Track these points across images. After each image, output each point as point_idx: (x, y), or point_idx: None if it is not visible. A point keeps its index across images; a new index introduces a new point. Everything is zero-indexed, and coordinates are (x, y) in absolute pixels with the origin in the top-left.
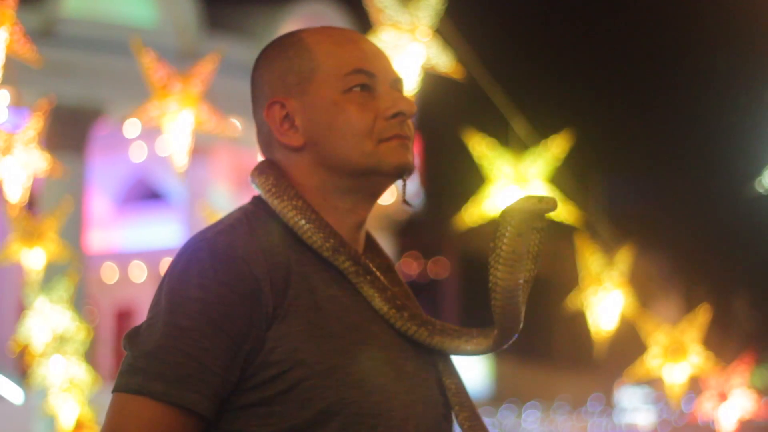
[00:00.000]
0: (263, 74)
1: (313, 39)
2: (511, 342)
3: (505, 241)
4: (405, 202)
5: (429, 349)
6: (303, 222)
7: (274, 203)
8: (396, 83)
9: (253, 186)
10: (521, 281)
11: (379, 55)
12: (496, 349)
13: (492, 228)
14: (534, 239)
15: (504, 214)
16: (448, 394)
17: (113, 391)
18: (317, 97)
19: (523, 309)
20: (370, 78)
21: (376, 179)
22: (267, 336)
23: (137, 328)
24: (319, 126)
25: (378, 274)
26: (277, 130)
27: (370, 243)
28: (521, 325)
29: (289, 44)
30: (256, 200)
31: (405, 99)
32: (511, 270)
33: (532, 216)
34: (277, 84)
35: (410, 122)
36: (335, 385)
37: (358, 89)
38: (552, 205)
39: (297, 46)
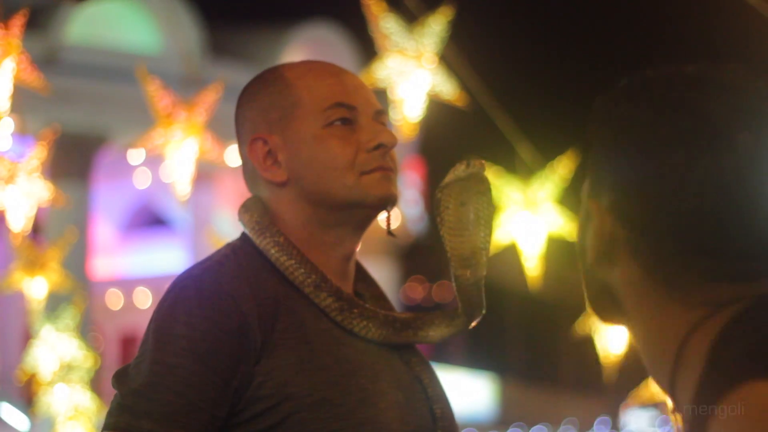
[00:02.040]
0: (245, 111)
1: (293, 74)
2: (479, 318)
3: (450, 212)
4: (389, 233)
5: (420, 375)
6: (284, 258)
7: (257, 240)
8: (378, 115)
9: (240, 223)
10: (479, 247)
11: (360, 88)
12: (467, 324)
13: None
14: (482, 203)
15: (442, 188)
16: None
17: (102, 430)
18: (299, 132)
19: (483, 278)
20: (350, 111)
21: (360, 212)
22: (255, 371)
23: (126, 368)
24: (302, 161)
25: (363, 303)
26: (260, 166)
27: (361, 273)
28: (483, 300)
29: (270, 80)
30: (245, 236)
31: (386, 131)
32: (462, 239)
33: (468, 182)
34: (259, 120)
35: (393, 153)
36: (325, 418)
37: (339, 123)
38: (479, 165)
39: (278, 82)
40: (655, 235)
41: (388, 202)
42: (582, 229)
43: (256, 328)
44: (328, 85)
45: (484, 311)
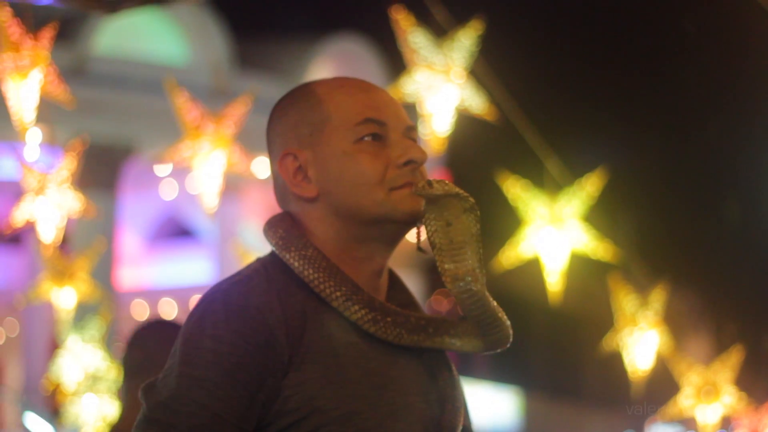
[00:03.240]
0: (276, 127)
1: (323, 90)
2: (500, 338)
3: (439, 235)
4: (419, 249)
5: (450, 388)
6: (311, 272)
7: (283, 255)
8: (409, 131)
9: (267, 241)
10: (474, 268)
11: (390, 104)
12: (491, 345)
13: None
14: (470, 221)
15: (424, 211)
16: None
17: None
18: (329, 148)
19: (485, 294)
20: (380, 127)
21: (389, 227)
22: (283, 384)
23: (154, 381)
24: (332, 176)
25: (399, 311)
26: (290, 182)
27: (394, 282)
28: (496, 319)
29: (300, 96)
30: (274, 252)
31: (416, 147)
32: (457, 259)
33: (447, 202)
34: (289, 136)
35: (423, 169)
36: (352, 431)
37: (369, 138)
38: (441, 184)
39: (308, 98)
40: None
41: (418, 217)
42: None
43: (284, 342)
44: (359, 100)
45: (504, 330)
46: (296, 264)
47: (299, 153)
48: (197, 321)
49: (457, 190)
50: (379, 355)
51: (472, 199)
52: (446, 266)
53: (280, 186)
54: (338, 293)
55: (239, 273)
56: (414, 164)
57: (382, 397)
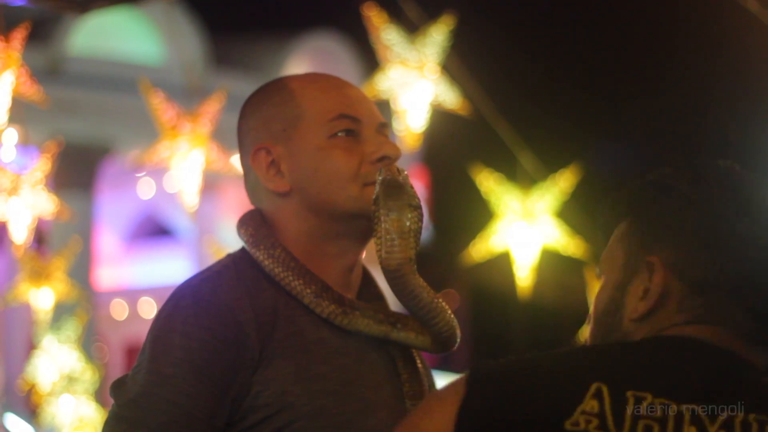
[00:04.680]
0: (249, 121)
1: (297, 85)
2: (449, 329)
3: (383, 223)
4: None
5: (418, 384)
6: (279, 269)
7: (252, 252)
8: (381, 128)
9: (239, 237)
10: (409, 259)
11: (363, 101)
12: (442, 344)
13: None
14: (414, 217)
15: (378, 197)
16: None
17: None
18: (303, 143)
19: (417, 286)
20: (354, 123)
21: (362, 223)
22: (253, 380)
23: (123, 377)
24: (305, 171)
25: (364, 305)
26: (263, 176)
27: (366, 277)
28: (438, 309)
29: (274, 91)
30: (245, 247)
31: (390, 143)
32: (392, 250)
33: (393, 191)
34: (262, 130)
35: (396, 166)
36: (323, 427)
37: (342, 134)
38: (392, 172)
39: (282, 93)
40: (712, 291)
41: None
42: (620, 284)
43: (254, 338)
44: (333, 97)
45: (444, 324)
46: (266, 262)
47: (272, 147)
48: (166, 318)
49: (395, 177)
50: (349, 351)
51: (419, 199)
52: (382, 255)
53: (252, 181)
54: (308, 290)
55: (209, 269)
56: (388, 160)
57: (352, 392)
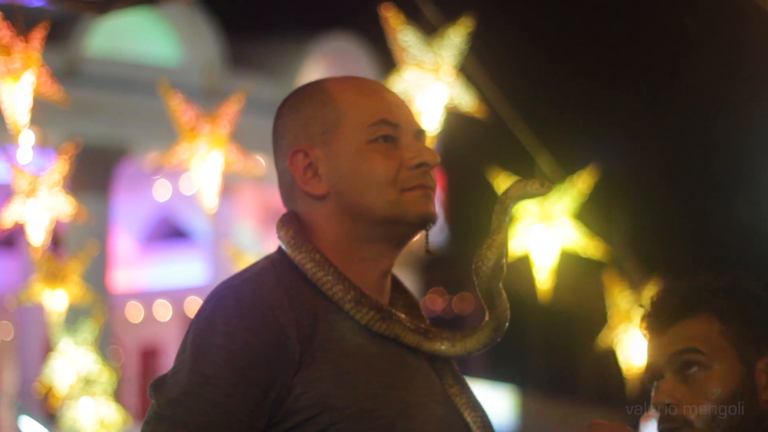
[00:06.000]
0: (286, 122)
1: (336, 88)
2: (505, 325)
3: (504, 224)
4: (427, 251)
5: (451, 391)
6: (322, 274)
7: (294, 255)
8: (419, 134)
9: (278, 238)
10: (502, 261)
11: (402, 106)
12: (494, 335)
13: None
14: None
15: (510, 197)
16: (474, 427)
17: None
18: (342, 147)
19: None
20: (394, 129)
21: (399, 229)
22: (294, 382)
23: (163, 377)
24: (343, 175)
25: (400, 314)
26: (300, 179)
27: (396, 284)
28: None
29: (312, 93)
30: (282, 249)
31: (429, 150)
32: (501, 253)
33: (526, 198)
34: (300, 133)
35: (433, 173)
36: (365, 429)
37: (382, 140)
38: (548, 188)
39: (321, 95)
40: None
41: (428, 220)
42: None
43: (295, 340)
44: (373, 101)
45: (506, 313)
46: (308, 266)
47: (310, 150)
48: (208, 317)
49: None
50: (387, 356)
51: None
52: (489, 254)
53: (287, 183)
54: (348, 296)
55: (248, 270)
56: (426, 167)
57: (392, 395)
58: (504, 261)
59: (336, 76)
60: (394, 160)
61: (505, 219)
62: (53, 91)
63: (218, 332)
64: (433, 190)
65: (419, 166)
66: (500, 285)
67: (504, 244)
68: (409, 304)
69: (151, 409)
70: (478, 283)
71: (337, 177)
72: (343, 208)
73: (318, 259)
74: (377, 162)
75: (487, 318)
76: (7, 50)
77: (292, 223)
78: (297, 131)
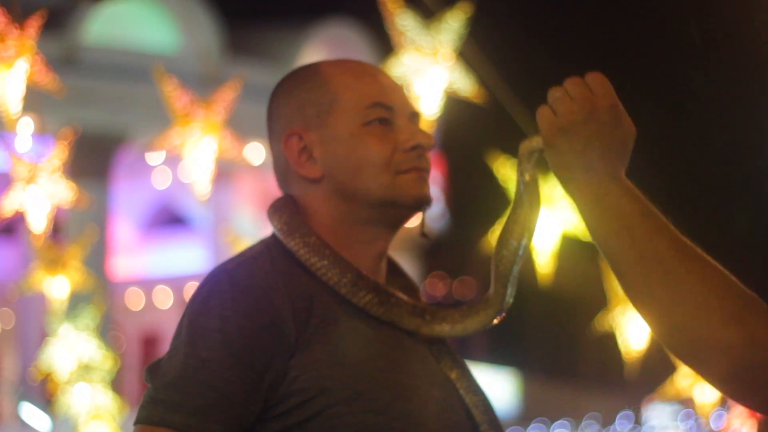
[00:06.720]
0: (280, 106)
1: (331, 71)
2: (508, 305)
3: (522, 198)
4: (423, 234)
5: (451, 374)
6: (315, 259)
7: (286, 241)
8: (414, 117)
9: (271, 224)
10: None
11: (396, 89)
12: (495, 314)
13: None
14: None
15: (519, 162)
16: (475, 411)
17: (135, 423)
18: (336, 129)
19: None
20: (388, 111)
21: (394, 211)
22: (290, 365)
23: (158, 361)
24: (338, 157)
25: (399, 294)
26: (295, 162)
27: (392, 266)
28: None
29: (307, 76)
30: (276, 234)
31: (423, 132)
32: (523, 230)
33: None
34: (295, 116)
35: (428, 155)
36: (361, 411)
37: (376, 122)
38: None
39: (315, 78)
40: None
41: (423, 202)
42: None
43: (291, 323)
44: (367, 84)
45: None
46: (301, 251)
47: (305, 133)
48: (203, 301)
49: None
50: (384, 339)
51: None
52: (516, 235)
53: (282, 167)
54: (345, 280)
55: (243, 254)
56: (421, 149)
57: (389, 378)
58: (525, 241)
59: (331, 59)
60: (388, 143)
61: (521, 189)
62: (48, 79)
63: (213, 316)
64: (428, 172)
65: (414, 148)
66: (517, 271)
67: (527, 220)
68: (407, 286)
69: (146, 393)
70: (496, 264)
71: (331, 160)
72: (338, 190)
73: (312, 242)
74: (372, 144)
75: (491, 294)
76: (0, 38)
77: (286, 208)
78: (291, 114)
